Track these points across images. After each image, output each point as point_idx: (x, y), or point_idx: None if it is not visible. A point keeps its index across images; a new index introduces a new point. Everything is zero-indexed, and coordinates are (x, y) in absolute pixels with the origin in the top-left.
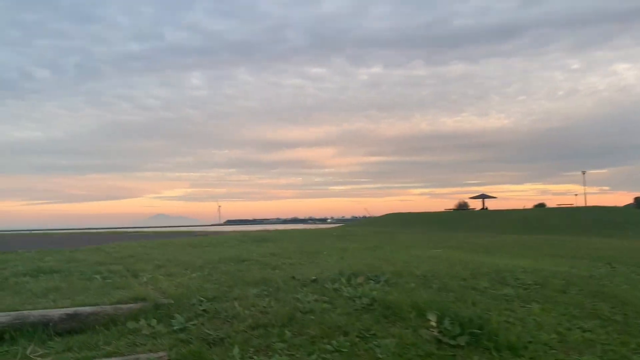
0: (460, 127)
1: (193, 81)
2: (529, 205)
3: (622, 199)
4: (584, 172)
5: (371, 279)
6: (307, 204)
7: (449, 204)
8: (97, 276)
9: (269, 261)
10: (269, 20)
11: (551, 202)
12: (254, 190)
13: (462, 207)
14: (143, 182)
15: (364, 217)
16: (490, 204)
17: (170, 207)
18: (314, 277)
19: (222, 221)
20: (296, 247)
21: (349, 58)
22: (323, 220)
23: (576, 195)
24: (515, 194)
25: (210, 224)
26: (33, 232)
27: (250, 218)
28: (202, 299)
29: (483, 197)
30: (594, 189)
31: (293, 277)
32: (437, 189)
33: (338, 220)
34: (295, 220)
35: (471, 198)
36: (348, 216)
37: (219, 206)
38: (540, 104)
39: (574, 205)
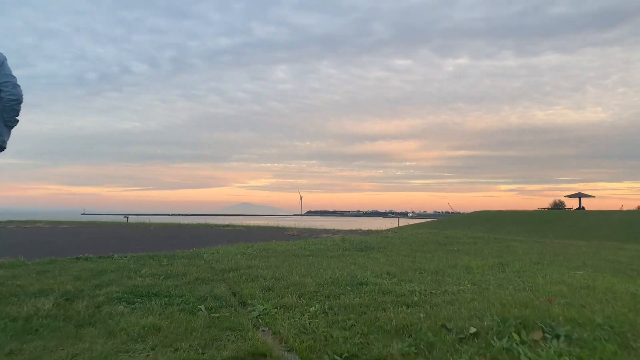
0: (552, 120)
1: (279, 74)
2: (628, 205)
3: None
4: None
5: (546, 332)
6: (387, 197)
7: (539, 201)
8: (202, 306)
9: (392, 288)
10: (354, 14)
11: None
12: (335, 182)
13: (558, 206)
14: (230, 171)
15: (447, 213)
16: (588, 204)
17: (255, 196)
18: (473, 330)
19: (304, 211)
20: (410, 262)
21: (435, 49)
22: (404, 214)
23: None
24: (612, 192)
25: (292, 213)
26: (128, 218)
27: (331, 209)
28: (336, 357)
29: (580, 195)
30: None
31: (444, 326)
32: (525, 186)
33: (419, 215)
34: (375, 213)
35: (567, 197)
36: (430, 211)
37: (301, 197)
38: None
39: None
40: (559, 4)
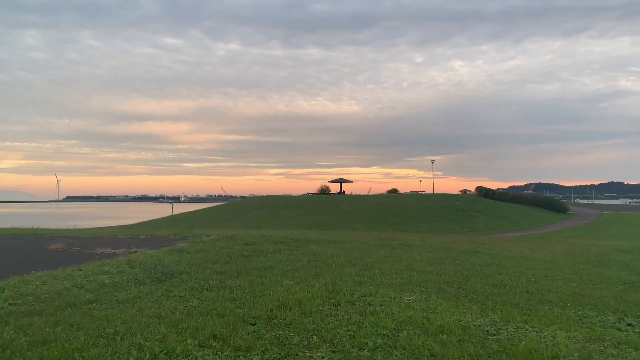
0: (315, 110)
1: (28, 41)
2: (375, 187)
3: (454, 184)
4: (432, 161)
5: None
6: (158, 180)
7: (304, 185)
8: None
9: None
10: None
11: (394, 184)
12: (99, 164)
13: (324, 191)
14: None
15: (220, 196)
16: (347, 187)
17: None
18: None
19: (62, 197)
20: (228, 301)
21: (207, 31)
22: (176, 199)
23: (421, 181)
24: (363, 176)
25: (48, 199)
26: None
27: (95, 194)
28: None
29: (341, 181)
30: (429, 174)
31: None
32: (292, 170)
33: (192, 199)
34: (145, 198)
35: (330, 182)
36: (203, 194)
37: (58, 180)
38: (387, 93)
39: (423, 192)
40: (321, 1)
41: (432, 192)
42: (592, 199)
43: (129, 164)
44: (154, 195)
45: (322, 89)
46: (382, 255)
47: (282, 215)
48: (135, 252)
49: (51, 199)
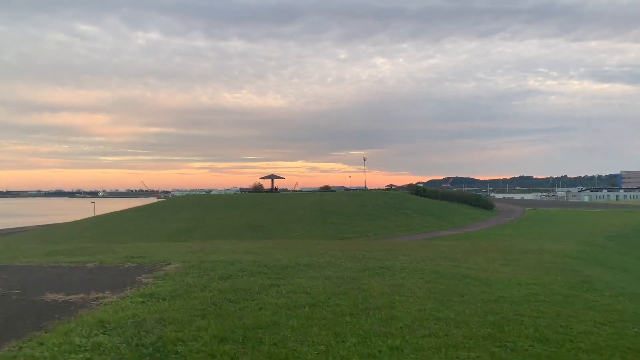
0: (239, 103)
1: None
2: (302, 181)
3: (377, 177)
4: (364, 158)
5: None
6: (74, 174)
7: (231, 179)
8: None
9: None
10: None
11: (320, 178)
12: (7, 157)
13: (258, 189)
14: None
15: (142, 191)
16: (277, 183)
17: None
18: None
19: None
20: None
21: (125, 19)
22: (94, 194)
23: (350, 176)
24: (289, 170)
25: None
26: None
27: (4, 189)
28: None
29: (272, 177)
30: (354, 168)
31: None
32: (217, 163)
33: (112, 194)
34: (60, 193)
35: (262, 178)
36: (123, 189)
37: None
38: (312, 88)
39: (355, 188)
40: None
41: (364, 187)
42: (506, 192)
43: (41, 157)
44: (70, 190)
45: (246, 82)
46: (379, 291)
47: (215, 215)
48: (97, 299)
49: None
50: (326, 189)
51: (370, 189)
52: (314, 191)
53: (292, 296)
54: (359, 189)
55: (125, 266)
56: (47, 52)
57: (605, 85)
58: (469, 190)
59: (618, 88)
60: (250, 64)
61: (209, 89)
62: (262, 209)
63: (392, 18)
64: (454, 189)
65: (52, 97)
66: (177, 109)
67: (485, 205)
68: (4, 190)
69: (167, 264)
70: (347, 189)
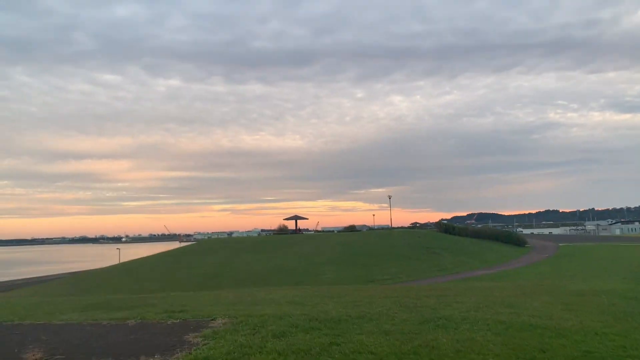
0: (259, 145)
1: None
2: (323, 221)
3: (400, 215)
4: (389, 197)
5: None
6: (97, 221)
7: (252, 220)
8: None
9: None
10: (52, 18)
11: (341, 217)
12: (32, 205)
13: (283, 230)
14: None
15: (164, 235)
16: (301, 224)
17: None
18: None
19: None
20: None
21: (145, 67)
22: (117, 239)
23: (374, 215)
24: (309, 210)
25: None
26: None
27: (29, 237)
28: None
29: (296, 218)
30: (375, 206)
31: None
32: (237, 205)
33: (135, 239)
34: (84, 240)
35: (285, 219)
36: (145, 234)
37: None
38: (331, 127)
39: (378, 227)
40: (261, 38)
41: (388, 225)
42: (533, 227)
43: (65, 204)
44: (93, 237)
45: (265, 123)
46: (450, 348)
47: (242, 259)
48: None
49: None
50: (351, 228)
51: (395, 227)
52: (339, 231)
53: (359, 357)
54: (383, 228)
55: (169, 323)
56: (71, 101)
57: (628, 116)
58: (495, 226)
59: None
60: (268, 107)
61: (228, 132)
62: (288, 251)
63: (407, 57)
64: (479, 225)
65: (76, 145)
66: (197, 153)
67: (517, 242)
68: (30, 238)
69: (212, 319)
70: (370, 228)
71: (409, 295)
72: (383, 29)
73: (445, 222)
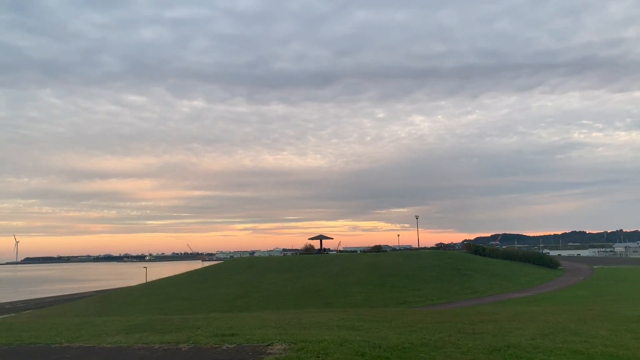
0: (280, 164)
1: None
2: (344, 241)
3: (422, 236)
4: (417, 217)
5: None
6: (121, 239)
7: (273, 240)
8: None
9: None
10: (80, 41)
11: (362, 237)
12: (59, 224)
13: (309, 250)
14: None
15: (187, 254)
16: (325, 243)
17: None
18: None
19: (20, 258)
20: None
21: (170, 88)
22: (141, 258)
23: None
24: (330, 229)
25: (5, 261)
26: None
27: (55, 255)
28: None
29: (321, 237)
30: (397, 226)
31: None
32: (259, 225)
33: (158, 257)
34: (108, 258)
35: (310, 239)
36: (168, 252)
37: (17, 241)
38: (351, 147)
39: (401, 247)
40: (283, 59)
41: (410, 246)
42: (559, 249)
43: (91, 222)
44: (117, 255)
45: (287, 143)
46: None
47: (269, 279)
48: None
49: (9, 261)
50: (377, 249)
51: (420, 248)
52: (363, 251)
53: None
54: (406, 248)
55: (224, 347)
56: (98, 122)
57: None
58: (520, 247)
59: None
60: (290, 127)
61: (251, 152)
62: (316, 271)
63: (429, 77)
64: (504, 246)
65: (102, 164)
66: (220, 172)
67: (549, 264)
68: (56, 256)
69: (268, 345)
70: (393, 249)
71: (461, 321)
72: (404, 49)
73: (472, 242)
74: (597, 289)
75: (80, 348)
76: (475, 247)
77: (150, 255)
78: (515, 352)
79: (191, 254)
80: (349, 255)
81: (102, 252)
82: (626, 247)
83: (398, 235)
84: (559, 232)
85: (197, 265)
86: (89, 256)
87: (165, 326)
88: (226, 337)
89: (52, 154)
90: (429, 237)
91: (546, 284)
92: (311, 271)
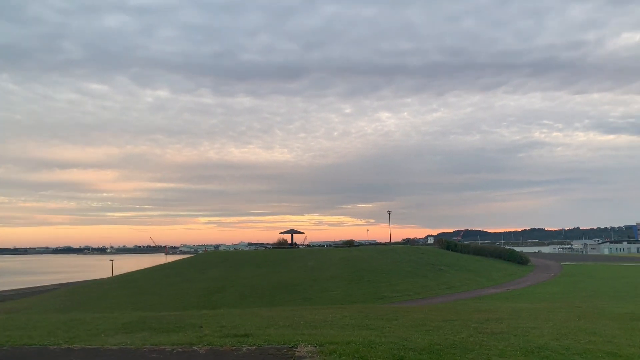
0: (246, 158)
1: None
2: (310, 235)
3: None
4: (389, 212)
5: None
6: (82, 231)
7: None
8: None
9: None
10: (40, 27)
11: (328, 232)
12: (16, 214)
13: (282, 244)
14: None
15: (149, 247)
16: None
17: None
18: None
19: None
20: None
21: (134, 78)
22: (102, 250)
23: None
24: (296, 224)
25: None
26: None
27: (11, 247)
28: None
29: (292, 232)
30: (362, 221)
31: None
32: (224, 218)
33: (119, 250)
34: (68, 250)
35: (281, 233)
36: (130, 245)
37: None
38: (319, 142)
39: (372, 242)
40: (250, 51)
41: (387, 242)
42: (520, 245)
43: (50, 213)
44: (78, 247)
45: (253, 136)
46: None
47: (244, 274)
48: None
49: None
50: (350, 243)
51: (392, 243)
52: (336, 245)
53: None
54: (372, 243)
55: (244, 349)
56: (58, 110)
57: (611, 137)
58: (482, 243)
59: (624, 139)
60: (257, 120)
61: (216, 145)
62: (291, 266)
63: (396, 74)
64: (466, 242)
65: (62, 154)
66: (184, 165)
67: (520, 260)
68: (12, 247)
69: (292, 347)
70: (360, 244)
71: (469, 319)
72: (372, 45)
73: (444, 238)
74: (569, 285)
75: (83, 350)
76: (447, 243)
77: (112, 247)
78: (548, 354)
79: (154, 247)
80: (321, 249)
81: (61, 244)
82: (584, 244)
83: (367, 230)
84: (520, 229)
85: (161, 258)
86: (47, 248)
87: (162, 324)
88: (240, 338)
89: (8, 142)
90: (394, 232)
91: (519, 280)
92: (286, 266)
